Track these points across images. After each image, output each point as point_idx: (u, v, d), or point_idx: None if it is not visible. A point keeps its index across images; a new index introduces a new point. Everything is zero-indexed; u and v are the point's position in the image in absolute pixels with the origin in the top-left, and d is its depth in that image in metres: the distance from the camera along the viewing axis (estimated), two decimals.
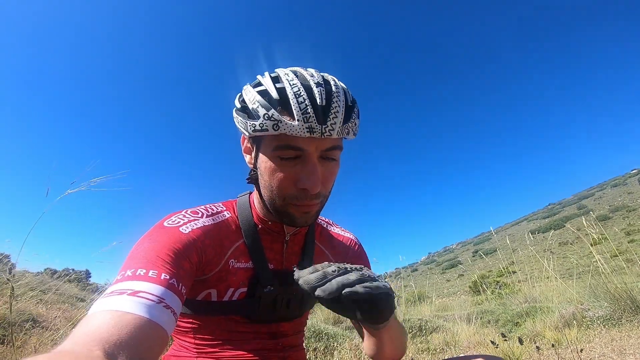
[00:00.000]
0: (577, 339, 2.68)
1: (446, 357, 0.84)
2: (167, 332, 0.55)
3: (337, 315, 4.74)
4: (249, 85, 0.75)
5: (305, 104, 0.66)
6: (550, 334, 2.93)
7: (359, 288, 0.56)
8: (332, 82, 0.72)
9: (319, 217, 1.04)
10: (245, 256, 0.84)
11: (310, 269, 0.61)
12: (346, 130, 0.71)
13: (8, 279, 2.05)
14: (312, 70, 0.73)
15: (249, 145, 0.80)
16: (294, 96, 0.66)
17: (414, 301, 6.53)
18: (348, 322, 4.65)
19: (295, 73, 0.71)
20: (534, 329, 3.34)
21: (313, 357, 3.13)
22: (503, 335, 2.53)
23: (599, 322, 2.99)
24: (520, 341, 2.21)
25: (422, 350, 3.44)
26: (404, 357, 0.94)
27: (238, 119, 0.75)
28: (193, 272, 0.71)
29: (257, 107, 0.69)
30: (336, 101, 0.68)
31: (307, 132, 0.65)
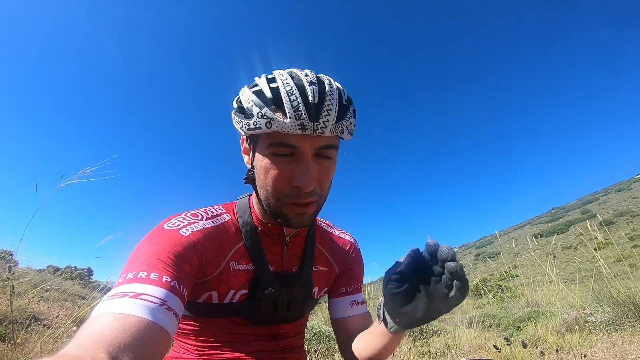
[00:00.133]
0: (579, 343, 2.66)
1: None
2: (170, 334, 0.56)
3: None
4: (246, 87, 0.76)
5: (297, 102, 0.67)
6: (552, 339, 2.92)
7: None
8: (326, 82, 0.73)
9: (319, 219, 1.05)
10: (246, 258, 0.84)
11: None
12: (340, 129, 0.71)
13: (8, 277, 2.05)
14: (307, 71, 0.74)
15: (247, 145, 0.81)
16: (286, 94, 0.68)
17: None
18: None
19: (290, 74, 0.73)
20: (536, 333, 3.32)
21: (314, 358, 3.12)
22: (506, 340, 2.52)
23: (601, 327, 2.96)
24: (524, 345, 2.19)
25: (422, 354, 3.43)
26: None
27: (235, 120, 0.76)
28: (194, 274, 0.72)
29: (252, 106, 0.70)
30: (329, 99, 0.69)
31: (299, 129, 0.66)
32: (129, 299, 0.54)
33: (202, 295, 0.81)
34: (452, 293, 0.64)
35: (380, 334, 0.80)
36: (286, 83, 0.69)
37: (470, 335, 3.77)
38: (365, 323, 0.97)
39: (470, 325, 4.23)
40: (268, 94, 0.69)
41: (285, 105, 0.67)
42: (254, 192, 0.83)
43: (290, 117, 0.66)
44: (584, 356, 2.34)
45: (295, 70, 0.74)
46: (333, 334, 3.57)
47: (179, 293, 0.62)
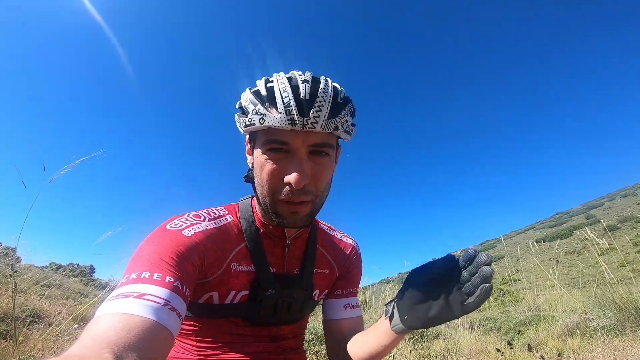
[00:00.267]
0: (579, 348, 2.64)
1: None
2: (173, 334, 0.56)
3: None
4: (247, 89, 0.78)
5: (289, 98, 0.69)
6: (553, 343, 2.90)
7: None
8: (322, 81, 0.74)
9: (321, 222, 1.05)
10: (247, 259, 0.84)
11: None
12: (333, 125, 0.71)
13: (10, 274, 2.05)
14: (307, 73, 0.76)
15: (249, 147, 0.83)
16: (279, 92, 0.70)
17: None
18: None
19: (289, 76, 0.74)
20: (537, 337, 3.30)
21: None
22: (509, 344, 2.51)
23: (602, 331, 2.94)
24: (530, 348, 2.18)
25: (422, 357, 3.42)
26: None
27: (236, 120, 0.79)
28: (195, 275, 0.72)
29: (248, 104, 0.74)
30: (322, 96, 0.70)
31: (289, 123, 0.68)
32: (133, 299, 0.54)
33: (203, 296, 0.81)
34: (470, 299, 0.64)
35: (382, 333, 0.79)
36: (281, 82, 0.72)
37: (470, 338, 3.75)
38: (357, 327, 0.97)
39: (471, 328, 4.21)
40: (263, 92, 0.72)
41: (277, 102, 0.69)
42: (253, 191, 0.84)
43: (280, 112, 0.68)
44: None
45: (295, 72, 0.75)
46: None
47: (181, 293, 0.62)
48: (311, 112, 0.68)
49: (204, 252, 0.75)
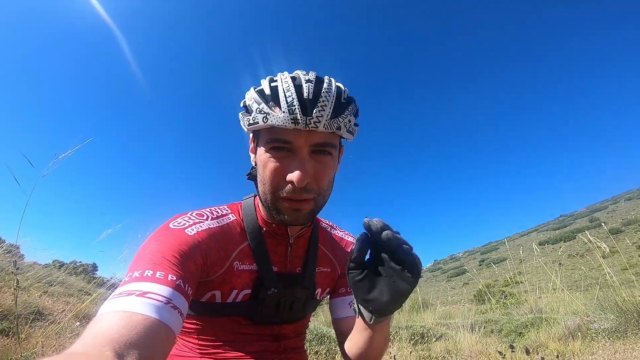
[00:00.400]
0: (580, 350, 2.63)
1: None
2: (175, 333, 0.56)
3: None
4: (251, 88, 0.79)
5: (292, 98, 0.70)
6: (554, 345, 2.88)
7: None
8: (325, 81, 0.75)
9: (322, 220, 1.05)
10: (250, 258, 0.84)
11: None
12: (336, 125, 0.72)
13: (13, 272, 2.06)
14: (310, 73, 0.76)
15: (252, 145, 0.84)
16: (283, 91, 0.71)
17: (418, 308, 6.46)
18: None
19: (293, 76, 0.75)
20: (538, 339, 3.28)
21: None
22: (511, 347, 2.50)
23: (603, 334, 2.92)
24: (527, 351, 2.17)
25: (423, 358, 3.42)
26: None
27: (240, 119, 0.80)
28: (198, 273, 0.72)
29: (252, 103, 0.75)
30: (325, 96, 0.71)
31: (292, 122, 0.69)
32: (136, 297, 0.54)
33: (206, 295, 0.81)
34: (402, 267, 0.65)
35: (363, 328, 0.80)
36: (285, 82, 0.72)
37: (471, 340, 3.73)
38: None
39: (472, 330, 4.19)
40: (267, 91, 0.73)
41: (280, 101, 0.70)
42: (256, 189, 0.84)
43: (283, 112, 0.69)
44: None
45: (299, 72, 0.76)
46: (334, 336, 3.58)
47: (184, 292, 0.62)
48: (314, 111, 0.69)
49: (207, 250, 0.75)
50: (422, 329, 4.36)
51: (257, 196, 0.90)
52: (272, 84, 0.74)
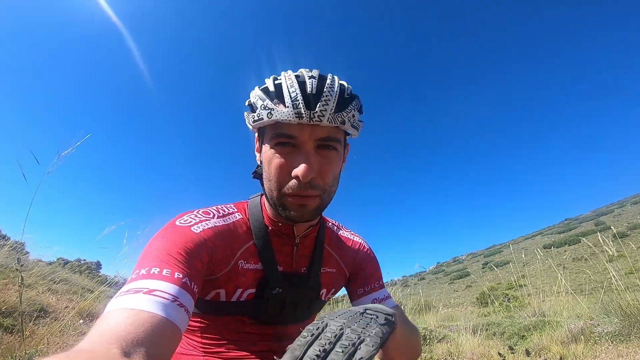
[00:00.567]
0: (583, 354, 2.61)
1: None
2: (181, 330, 0.57)
3: None
4: (256, 87, 0.80)
5: (296, 93, 0.71)
6: (557, 348, 2.86)
7: None
8: (329, 77, 0.76)
9: (328, 219, 1.05)
10: (255, 257, 0.84)
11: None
12: (340, 119, 0.73)
13: (17, 269, 2.08)
14: (314, 70, 0.77)
15: (257, 143, 0.84)
16: (286, 87, 0.72)
17: (420, 310, 6.44)
18: None
19: (297, 74, 0.76)
20: (541, 342, 3.26)
21: None
22: (511, 348, 2.48)
23: (607, 337, 2.90)
24: (528, 353, 2.16)
25: None
26: None
27: (245, 117, 0.82)
28: (204, 271, 0.73)
29: (257, 100, 0.76)
30: (328, 91, 0.72)
31: (296, 117, 0.70)
32: (143, 295, 0.55)
33: (210, 293, 0.81)
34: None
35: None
36: (288, 78, 0.74)
37: (473, 343, 3.71)
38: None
39: (474, 333, 4.17)
40: (272, 89, 0.74)
41: (284, 97, 0.71)
42: (262, 187, 0.85)
43: (287, 106, 0.70)
44: None
45: (303, 70, 0.77)
46: None
47: (190, 290, 0.63)
48: (318, 105, 0.70)
49: (212, 249, 0.76)
50: (424, 331, 4.34)
51: (264, 195, 0.90)
52: (276, 82, 0.75)
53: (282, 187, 0.75)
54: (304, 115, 0.69)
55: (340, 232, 1.06)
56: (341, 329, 0.49)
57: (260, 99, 0.75)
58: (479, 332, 4.22)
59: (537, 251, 5.77)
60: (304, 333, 0.48)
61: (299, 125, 0.71)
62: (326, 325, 0.50)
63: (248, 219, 0.88)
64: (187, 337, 0.89)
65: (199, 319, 0.87)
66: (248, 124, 0.81)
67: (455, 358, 3.38)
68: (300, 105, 0.69)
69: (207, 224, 0.79)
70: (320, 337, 0.47)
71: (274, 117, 0.71)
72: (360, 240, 1.07)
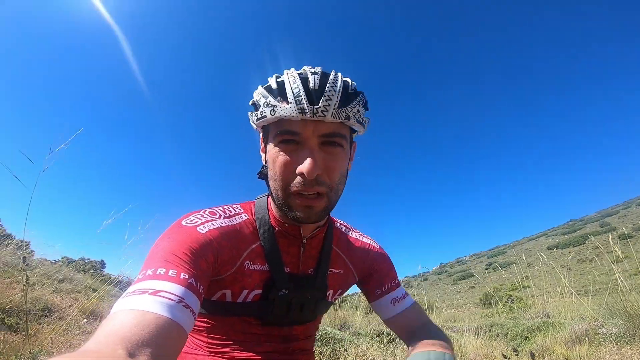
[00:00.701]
0: (587, 355, 2.59)
1: None
2: (187, 331, 0.57)
3: (343, 319, 4.75)
4: (259, 86, 0.79)
5: (298, 89, 0.70)
6: (560, 350, 2.85)
7: None
8: (332, 73, 0.75)
9: (338, 220, 1.04)
10: (261, 258, 0.83)
11: None
12: (344, 114, 0.72)
13: (23, 268, 2.09)
14: (316, 67, 0.77)
15: (262, 143, 0.84)
16: (289, 84, 0.72)
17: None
18: (355, 327, 4.62)
19: (299, 71, 0.76)
20: (544, 344, 3.24)
21: None
22: (514, 350, 2.47)
23: (611, 339, 2.88)
24: (532, 355, 2.15)
25: None
26: None
27: (249, 117, 0.81)
28: (209, 272, 0.72)
29: (260, 98, 0.76)
30: (331, 86, 0.71)
31: (299, 112, 0.69)
32: (148, 296, 0.55)
33: (216, 293, 0.81)
34: None
35: None
36: (291, 75, 0.73)
37: (476, 344, 3.69)
38: (414, 315, 0.96)
39: (478, 334, 4.15)
40: (274, 86, 0.74)
41: (287, 94, 0.71)
42: (267, 187, 0.84)
43: (290, 102, 0.70)
44: None
45: (305, 67, 0.77)
46: (338, 337, 3.57)
47: (195, 290, 0.62)
48: (321, 100, 0.69)
49: (218, 249, 0.75)
50: None
51: (270, 196, 0.89)
52: (279, 80, 0.75)
53: (288, 186, 0.74)
54: (306, 110, 0.69)
55: (350, 233, 1.04)
56: None
57: (263, 97, 0.74)
58: (482, 333, 4.20)
59: (545, 252, 5.74)
60: None
61: (302, 122, 0.70)
62: None
63: (254, 220, 0.87)
64: (193, 337, 0.89)
65: (205, 319, 0.87)
66: (252, 124, 0.81)
67: (458, 359, 3.37)
68: (303, 100, 0.69)
69: (213, 224, 0.78)
70: None
71: (277, 114, 0.71)
72: (370, 241, 1.06)
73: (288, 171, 0.73)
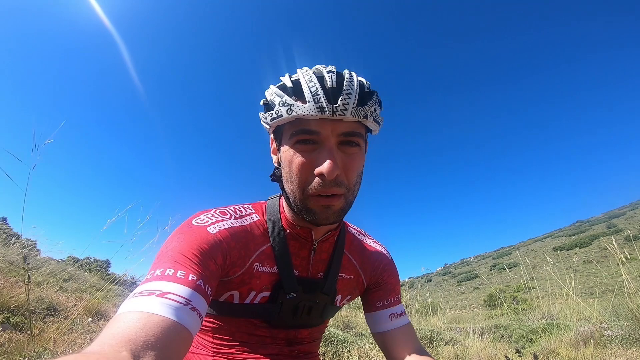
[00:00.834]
0: (592, 357, 2.57)
1: None
2: (192, 335, 0.57)
3: (346, 320, 4.74)
4: (271, 85, 0.78)
5: (316, 88, 0.69)
6: (565, 352, 2.82)
7: None
8: (347, 72, 0.74)
9: (351, 225, 1.02)
10: (271, 261, 0.82)
11: None
12: (362, 113, 0.70)
13: (24, 268, 2.10)
14: (330, 66, 0.76)
15: (274, 146, 0.82)
16: (305, 83, 0.70)
17: (426, 312, 6.39)
18: (358, 328, 4.61)
19: (313, 69, 0.75)
20: (549, 345, 3.20)
21: None
22: (518, 351, 2.45)
23: (616, 341, 2.85)
24: (535, 357, 2.13)
25: None
26: None
27: (261, 117, 0.80)
28: (218, 273, 0.72)
29: (274, 97, 0.74)
30: (348, 85, 0.70)
31: (318, 111, 0.67)
32: (155, 298, 0.55)
33: (224, 294, 0.80)
34: None
35: None
36: (306, 74, 0.72)
37: (480, 345, 3.67)
38: (407, 335, 0.93)
39: (482, 335, 4.12)
40: (289, 85, 0.72)
41: (304, 92, 0.69)
42: (281, 190, 0.82)
43: (308, 101, 0.68)
44: None
45: (319, 66, 0.76)
46: (341, 337, 3.56)
47: (203, 292, 0.62)
48: (339, 99, 0.68)
49: (227, 250, 0.74)
50: (430, 332, 4.32)
51: (282, 197, 0.88)
52: (293, 78, 0.73)
53: (306, 187, 0.71)
54: (326, 109, 0.67)
55: (364, 240, 1.02)
56: None
57: (278, 96, 0.72)
58: (486, 334, 4.18)
59: (552, 253, 5.68)
60: None
61: (321, 121, 0.68)
62: None
63: (265, 221, 0.86)
64: (199, 337, 0.88)
65: (212, 320, 0.86)
66: (264, 124, 0.79)
67: None
68: (322, 99, 0.67)
69: (223, 225, 0.77)
70: None
71: (294, 113, 0.68)
72: (383, 250, 1.03)
73: (306, 172, 0.71)
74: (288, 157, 0.73)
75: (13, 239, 4.90)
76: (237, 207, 0.87)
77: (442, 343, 4.07)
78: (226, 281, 0.78)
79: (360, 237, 1.02)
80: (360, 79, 0.75)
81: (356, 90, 0.70)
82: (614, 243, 3.91)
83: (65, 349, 2.39)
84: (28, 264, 2.16)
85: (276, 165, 0.82)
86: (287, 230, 0.85)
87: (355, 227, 1.04)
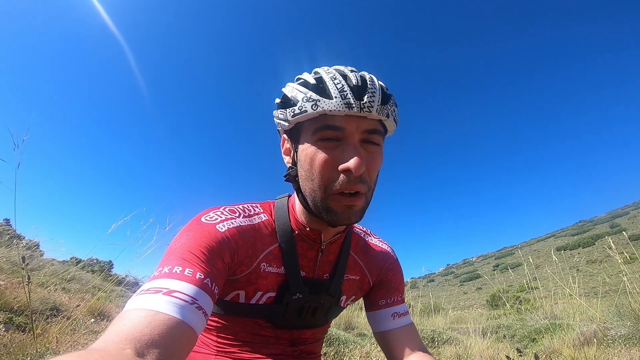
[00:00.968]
0: (595, 357, 2.55)
1: None
2: (197, 334, 0.56)
3: (348, 320, 4.74)
4: (289, 83, 0.78)
5: (342, 84, 0.69)
6: (568, 352, 2.81)
7: None
8: (367, 74, 0.74)
9: (356, 226, 1.02)
10: (278, 261, 0.82)
11: None
12: (385, 112, 0.71)
13: (23, 268, 2.12)
14: (349, 67, 0.76)
15: (287, 145, 0.81)
16: (330, 80, 0.70)
17: (428, 312, 6.38)
18: (359, 328, 4.61)
19: (333, 68, 0.75)
20: (552, 345, 3.19)
21: None
22: (519, 351, 2.44)
23: (620, 341, 2.83)
24: (537, 357, 2.12)
25: None
26: None
27: (278, 115, 0.78)
28: (225, 271, 0.71)
29: (296, 93, 0.73)
30: (372, 84, 0.71)
31: (346, 107, 0.67)
32: (162, 296, 0.55)
33: (230, 294, 0.80)
34: None
35: None
36: (329, 72, 0.72)
37: (482, 345, 3.66)
38: (409, 334, 0.92)
39: (484, 335, 4.11)
40: (312, 81, 0.72)
41: (330, 89, 0.69)
42: (295, 190, 0.81)
43: (335, 97, 0.67)
44: None
45: (338, 66, 0.76)
46: (343, 338, 3.56)
47: (210, 291, 0.62)
48: (365, 96, 0.68)
49: (235, 248, 0.74)
50: (432, 333, 4.30)
51: (291, 196, 0.88)
52: (316, 76, 0.73)
53: (329, 185, 0.70)
54: (353, 105, 0.67)
55: (369, 239, 1.02)
56: None
57: (301, 92, 0.71)
58: (488, 334, 4.16)
59: (555, 253, 5.67)
60: None
61: (346, 117, 0.68)
62: None
63: (273, 221, 0.85)
64: (202, 335, 0.88)
65: (216, 319, 0.86)
66: (280, 122, 0.77)
67: None
68: (349, 95, 0.67)
69: (232, 223, 0.77)
70: None
71: (320, 109, 0.67)
72: (389, 249, 1.03)
73: (330, 169, 0.70)
74: (309, 155, 0.71)
75: (15, 240, 4.93)
76: (245, 205, 0.86)
77: (443, 343, 4.06)
78: (233, 280, 0.78)
79: (365, 237, 1.02)
80: (379, 81, 0.76)
81: (379, 89, 0.71)
82: (612, 245, 3.89)
83: (67, 349, 2.40)
84: (27, 264, 2.17)
85: (289, 165, 0.80)
86: (296, 231, 0.84)
87: (360, 227, 1.04)
